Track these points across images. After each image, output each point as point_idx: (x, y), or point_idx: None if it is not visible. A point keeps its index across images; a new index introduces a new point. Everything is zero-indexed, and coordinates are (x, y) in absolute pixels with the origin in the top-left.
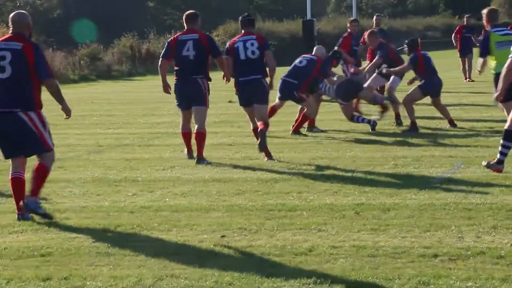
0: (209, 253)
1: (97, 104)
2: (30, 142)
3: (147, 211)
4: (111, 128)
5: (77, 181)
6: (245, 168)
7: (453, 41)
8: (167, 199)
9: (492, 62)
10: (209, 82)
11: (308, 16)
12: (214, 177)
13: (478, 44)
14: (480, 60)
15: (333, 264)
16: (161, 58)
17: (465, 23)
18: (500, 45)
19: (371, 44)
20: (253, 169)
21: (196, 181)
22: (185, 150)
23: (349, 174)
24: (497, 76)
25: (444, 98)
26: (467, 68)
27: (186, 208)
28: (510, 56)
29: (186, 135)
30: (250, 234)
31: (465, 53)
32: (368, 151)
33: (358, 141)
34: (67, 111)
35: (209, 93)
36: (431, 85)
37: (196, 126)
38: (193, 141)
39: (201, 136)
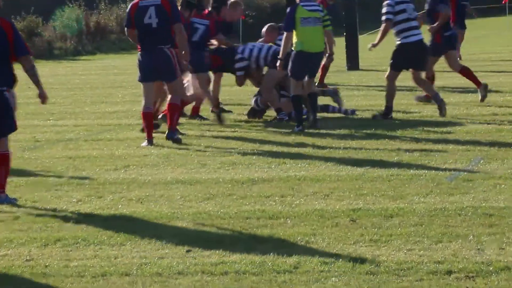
0: (172, 272)
1: (34, 89)
2: (6, 122)
3: (95, 221)
4: (51, 119)
5: (8, 184)
6: (216, 167)
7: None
8: (120, 206)
9: (294, 39)
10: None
11: None
12: (177, 179)
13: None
14: (285, 34)
15: (324, 284)
16: (125, 28)
17: None
18: (305, 22)
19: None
20: (226, 168)
21: (155, 184)
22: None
23: (344, 173)
24: (298, 54)
25: (455, 80)
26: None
27: (143, 217)
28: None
29: (148, 116)
30: (222, 248)
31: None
32: (366, 144)
33: (355, 132)
34: (43, 96)
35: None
36: (193, 62)
37: (169, 98)
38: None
39: (175, 107)
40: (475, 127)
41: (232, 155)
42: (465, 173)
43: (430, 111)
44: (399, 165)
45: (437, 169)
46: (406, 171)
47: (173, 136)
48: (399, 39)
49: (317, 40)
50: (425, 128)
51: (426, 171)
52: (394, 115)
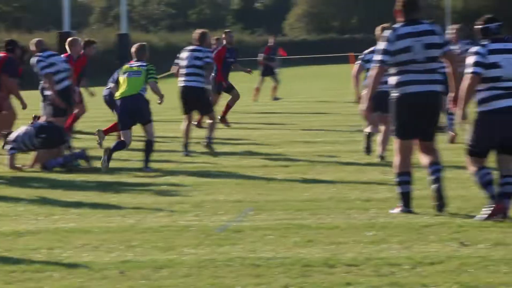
0: None
1: None
2: None
3: None
4: None
5: None
6: None
7: None
8: None
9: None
10: None
11: (66, 28)
12: None
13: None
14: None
15: None
16: None
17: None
18: (124, 75)
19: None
20: None
21: None
22: None
23: (114, 225)
24: (119, 100)
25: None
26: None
27: None
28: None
29: None
30: None
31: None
32: (137, 194)
33: (124, 181)
34: None
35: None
36: None
37: None
38: None
39: None
40: (245, 179)
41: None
42: (235, 224)
43: (200, 161)
44: (170, 216)
45: (207, 220)
46: (177, 222)
47: None
48: None
49: (129, 86)
50: (195, 179)
51: (197, 222)
52: (165, 165)
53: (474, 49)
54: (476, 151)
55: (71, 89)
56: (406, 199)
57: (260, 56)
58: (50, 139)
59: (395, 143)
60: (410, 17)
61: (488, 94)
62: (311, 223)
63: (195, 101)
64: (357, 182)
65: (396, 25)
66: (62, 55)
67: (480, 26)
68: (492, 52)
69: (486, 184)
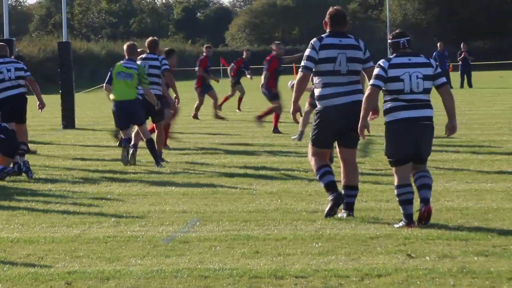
0: None
1: None
2: None
3: None
4: None
5: None
6: None
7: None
8: None
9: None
10: None
11: (6, 35)
12: None
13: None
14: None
15: None
16: None
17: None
18: (118, 76)
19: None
20: None
21: None
22: None
23: (59, 235)
24: (113, 104)
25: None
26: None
27: None
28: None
29: None
30: None
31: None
32: (82, 206)
33: (70, 190)
34: None
35: None
36: None
37: None
38: None
39: None
40: (191, 189)
41: None
42: (182, 235)
43: (145, 170)
44: (116, 226)
45: (154, 230)
46: (123, 233)
47: None
48: None
49: (124, 91)
50: (140, 189)
51: (143, 233)
52: (110, 175)
53: (379, 62)
54: (395, 161)
55: (17, 97)
56: (332, 187)
57: (232, 68)
58: (5, 145)
59: (310, 148)
60: (335, 29)
61: (391, 105)
62: (258, 234)
63: (150, 108)
64: (303, 193)
65: (322, 35)
66: None
67: (390, 41)
68: (394, 66)
69: (404, 202)
